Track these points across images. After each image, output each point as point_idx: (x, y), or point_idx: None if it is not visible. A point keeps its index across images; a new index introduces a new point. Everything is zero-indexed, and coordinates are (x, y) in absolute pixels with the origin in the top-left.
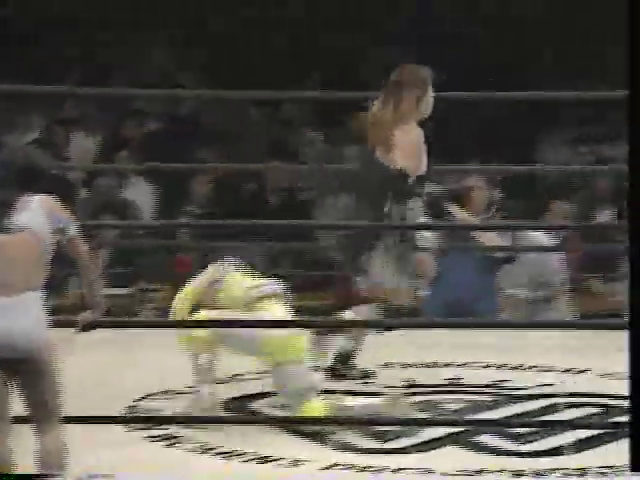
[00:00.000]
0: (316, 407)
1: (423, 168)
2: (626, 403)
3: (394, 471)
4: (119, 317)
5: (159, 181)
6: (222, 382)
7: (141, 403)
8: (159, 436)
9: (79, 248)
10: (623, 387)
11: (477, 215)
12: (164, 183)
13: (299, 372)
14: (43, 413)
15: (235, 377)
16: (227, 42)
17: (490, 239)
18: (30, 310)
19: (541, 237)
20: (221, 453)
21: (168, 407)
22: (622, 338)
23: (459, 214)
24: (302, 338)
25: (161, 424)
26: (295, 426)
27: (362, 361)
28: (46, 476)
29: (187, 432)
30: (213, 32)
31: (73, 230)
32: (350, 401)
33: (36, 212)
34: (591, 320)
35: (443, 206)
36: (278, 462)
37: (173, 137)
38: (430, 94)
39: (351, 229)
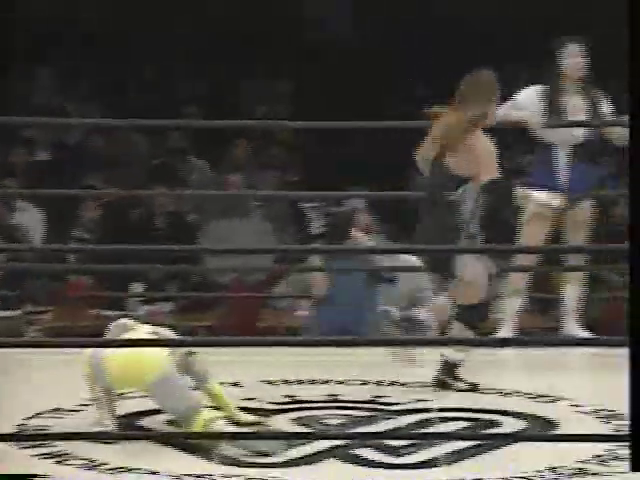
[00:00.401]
0: (201, 422)
1: (494, 174)
2: (495, 417)
3: None
4: (5, 338)
5: (48, 207)
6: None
7: (30, 421)
8: (49, 454)
9: None
10: (493, 401)
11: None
12: (53, 209)
13: (171, 392)
14: None
15: (122, 395)
16: (111, 73)
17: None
18: None
19: (413, 259)
20: (110, 469)
21: (58, 425)
22: (500, 353)
23: (359, 235)
24: (156, 360)
25: (50, 440)
26: (182, 441)
27: (244, 377)
28: (45, 476)
29: (76, 449)
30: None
31: None
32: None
33: None
34: (590, 337)
35: (346, 227)
36: (165, 477)
37: (62, 164)
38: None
39: (244, 253)
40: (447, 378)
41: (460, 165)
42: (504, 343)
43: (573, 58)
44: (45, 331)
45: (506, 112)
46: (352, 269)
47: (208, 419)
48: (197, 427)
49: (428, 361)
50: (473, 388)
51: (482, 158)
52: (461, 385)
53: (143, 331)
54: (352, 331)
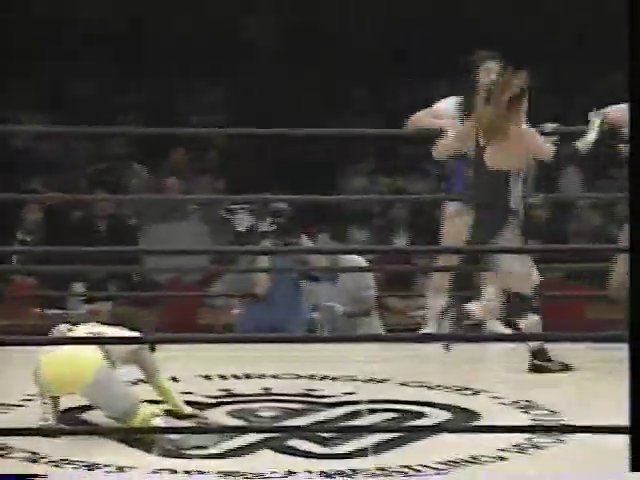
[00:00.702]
0: (140, 418)
1: (550, 154)
2: (422, 408)
3: (219, 474)
4: None
5: None
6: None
7: None
8: None
9: None
10: (419, 394)
11: None
12: None
13: (107, 392)
14: None
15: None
16: (56, 88)
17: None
18: None
19: (358, 259)
20: (51, 461)
21: (1, 420)
22: (426, 349)
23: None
24: (89, 363)
25: None
26: (122, 435)
27: (182, 372)
28: (45, 476)
29: (18, 442)
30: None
31: None
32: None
33: None
34: (590, 333)
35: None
36: (105, 469)
37: (5, 169)
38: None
39: (181, 254)
40: (541, 362)
41: (505, 157)
42: (465, 339)
43: (487, 72)
44: None
45: (423, 118)
46: (287, 269)
47: (147, 415)
48: (136, 423)
49: (356, 358)
50: (566, 368)
51: (532, 145)
52: (556, 366)
53: (83, 331)
54: (281, 329)
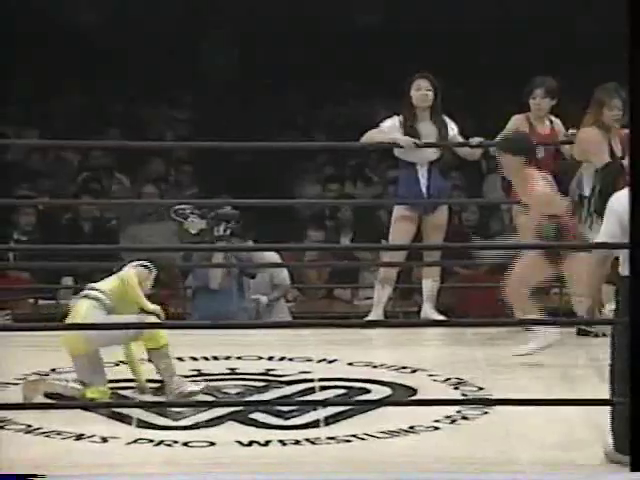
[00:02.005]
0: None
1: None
2: (366, 385)
3: (184, 444)
4: None
5: None
6: (45, 374)
7: None
8: None
9: None
10: (364, 372)
11: None
12: None
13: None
14: None
15: (55, 371)
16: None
17: None
18: None
19: (275, 256)
20: (43, 433)
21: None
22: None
23: None
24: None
25: None
26: (106, 409)
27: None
28: (43, 476)
29: (14, 416)
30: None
31: None
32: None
33: None
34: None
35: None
36: (91, 439)
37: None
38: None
39: (155, 250)
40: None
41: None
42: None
43: (420, 91)
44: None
45: (374, 135)
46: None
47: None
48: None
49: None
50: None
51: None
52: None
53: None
54: (225, 316)
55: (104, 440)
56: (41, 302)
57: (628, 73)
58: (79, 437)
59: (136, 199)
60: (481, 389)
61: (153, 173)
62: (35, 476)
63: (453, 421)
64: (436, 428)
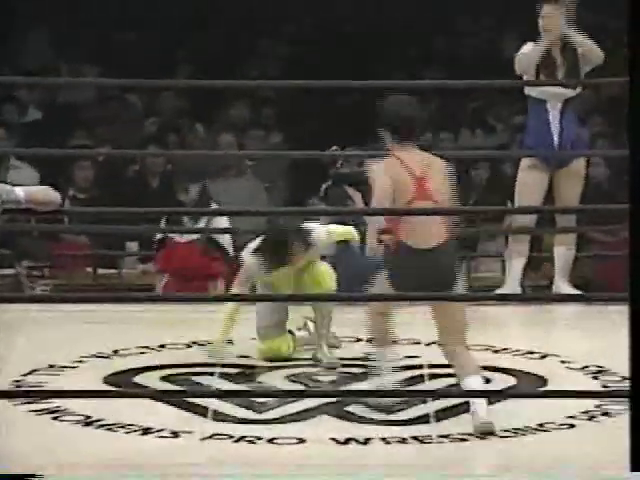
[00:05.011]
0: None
1: None
2: (485, 373)
3: (269, 440)
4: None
5: (42, 167)
6: (106, 357)
7: (27, 378)
8: (45, 409)
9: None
10: (483, 358)
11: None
12: (47, 169)
13: None
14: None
15: (117, 353)
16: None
17: None
18: None
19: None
20: (104, 425)
21: (53, 381)
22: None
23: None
24: None
25: (47, 398)
26: (177, 398)
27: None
28: (41, 476)
29: (71, 405)
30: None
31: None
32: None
33: None
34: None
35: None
36: (159, 433)
37: (53, 124)
38: None
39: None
40: None
41: None
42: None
43: (548, 18)
44: (48, 286)
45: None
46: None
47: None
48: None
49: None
50: None
51: None
52: None
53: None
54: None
55: (175, 435)
56: (100, 271)
57: (628, 67)
58: (146, 431)
59: (211, 150)
60: (625, 379)
61: (233, 118)
62: (33, 476)
63: (591, 417)
64: (571, 425)
